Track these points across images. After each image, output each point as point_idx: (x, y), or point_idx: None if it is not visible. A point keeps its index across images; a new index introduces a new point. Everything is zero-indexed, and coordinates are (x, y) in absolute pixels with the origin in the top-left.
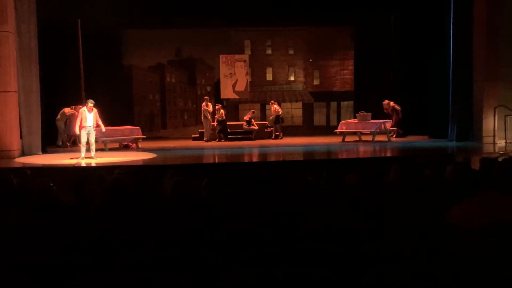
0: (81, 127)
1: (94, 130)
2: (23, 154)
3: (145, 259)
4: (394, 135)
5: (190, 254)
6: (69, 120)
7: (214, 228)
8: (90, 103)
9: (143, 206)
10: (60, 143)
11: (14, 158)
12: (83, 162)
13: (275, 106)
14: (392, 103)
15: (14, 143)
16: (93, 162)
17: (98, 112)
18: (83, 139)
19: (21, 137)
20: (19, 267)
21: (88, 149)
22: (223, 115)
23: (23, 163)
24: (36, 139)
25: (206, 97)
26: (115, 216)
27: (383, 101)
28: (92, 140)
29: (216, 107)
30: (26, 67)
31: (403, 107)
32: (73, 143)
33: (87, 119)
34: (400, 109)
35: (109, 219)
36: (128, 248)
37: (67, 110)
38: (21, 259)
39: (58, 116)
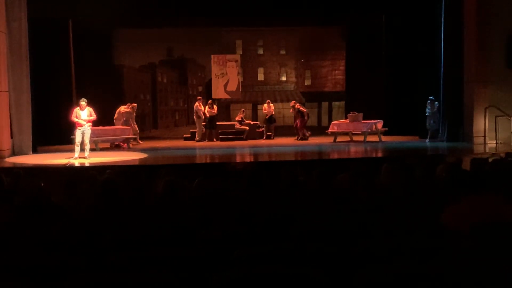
0: (76, 126)
1: (89, 128)
2: (13, 154)
3: (136, 259)
4: (298, 138)
5: (181, 253)
6: (125, 119)
7: (206, 228)
8: (83, 102)
9: (135, 206)
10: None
11: (5, 158)
12: (76, 162)
13: (271, 105)
14: (297, 105)
15: (4, 142)
16: (86, 162)
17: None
18: (78, 139)
19: (11, 137)
20: (9, 267)
21: (82, 149)
22: (215, 110)
23: (14, 163)
24: (27, 139)
25: (199, 97)
26: (106, 216)
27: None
28: (87, 140)
29: (209, 102)
30: (16, 66)
31: (394, 107)
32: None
33: (81, 116)
34: (305, 112)
35: (100, 219)
36: (119, 247)
37: (122, 108)
38: (12, 258)
39: (116, 116)
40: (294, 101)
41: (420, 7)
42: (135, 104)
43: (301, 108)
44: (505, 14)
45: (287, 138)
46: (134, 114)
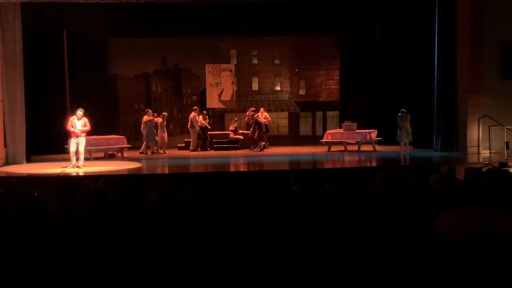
0: (72, 135)
1: (83, 137)
2: (7, 163)
3: (129, 269)
4: (252, 148)
5: (174, 263)
6: (148, 127)
7: (199, 238)
8: (80, 111)
9: (128, 215)
10: (143, 151)
11: None
12: (70, 171)
13: (265, 114)
14: (256, 115)
15: None
16: (80, 171)
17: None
18: (72, 148)
19: (5, 146)
20: (2, 277)
21: (77, 158)
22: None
23: (7, 172)
24: (21, 148)
25: (195, 107)
26: (98, 225)
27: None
28: (81, 149)
29: (204, 113)
30: (10, 75)
31: (388, 117)
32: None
33: (77, 126)
34: (263, 124)
35: (93, 228)
36: (112, 257)
37: (145, 117)
38: (5, 268)
39: (142, 126)
40: (253, 109)
41: (413, 18)
42: (165, 113)
43: (259, 119)
44: (498, 24)
45: (281, 147)
46: (165, 122)
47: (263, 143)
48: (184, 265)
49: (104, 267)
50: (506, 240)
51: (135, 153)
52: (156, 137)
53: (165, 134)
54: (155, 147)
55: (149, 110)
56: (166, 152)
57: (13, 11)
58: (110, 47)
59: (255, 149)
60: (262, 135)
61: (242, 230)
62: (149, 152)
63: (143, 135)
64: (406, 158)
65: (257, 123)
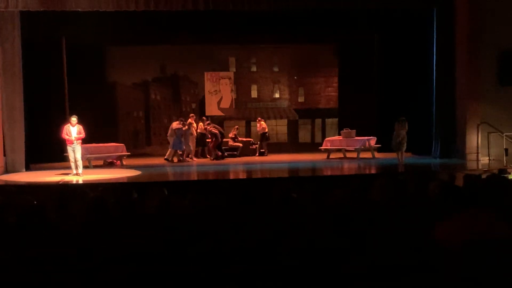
0: (67, 143)
1: (78, 145)
2: (6, 171)
3: (128, 276)
4: (212, 158)
5: (172, 270)
6: (176, 135)
7: (197, 245)
8: (74, 118)
9: (127, 222)
10: (168, 158)
11: None
12: (69, 179)
13: (262, 122)
14: (210, 127)
15: None
16: (79, 179)
17: (83, 129)
18: (70, 156)
19: (4, 154)
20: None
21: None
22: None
23: (6, 181)
24: (20, 156)
25: (192, 114)
26: (97, 233)
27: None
28: (78, 156)
29: (203, 118)
30: (9, 84)
31: (387, 124)
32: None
33: (72, 133)
34: (217, 133)
35: (92, 236)
36: (111, 265)
37: (174, 124)
38: (4, 276)
39: (169, 132)
40: (208, 122)
41: (412, 25)
42: (192, 122)
43: (213, 130)
44: (497, 31)
45: (281, 155)
46: (192, 129)
47: (220, 153)
48: (182, 272)
49: (102, 274)
50: (506, 247)
51: (134, 161)
52: (184, 146)
53: (192, 142)
54: (183, 155)
55: (193, 115)
56: (194, 159)
57: (12, 19)
58: (109, 55)
59: (212, 159)
60: (217, 144)
61: (239, 237)
62: (175, 160)
63: (169, 141)
64: (404, 166)
65: (211, 133)
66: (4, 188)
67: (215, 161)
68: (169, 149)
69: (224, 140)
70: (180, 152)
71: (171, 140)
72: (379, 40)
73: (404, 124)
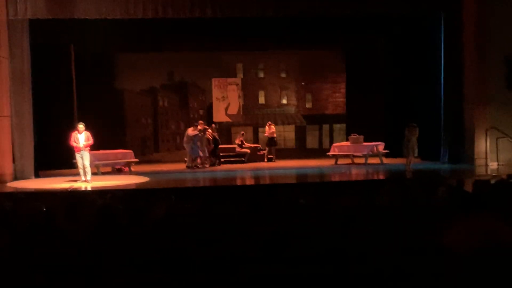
0: (75, 150)
1: (86, 151)
2: (15, 178)
3: (136, 282)
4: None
5: (180, 277)
6: (193, 141)
7: (205, 251)
8: (81, 125)
9: (135, 229)
10: (190, 165)
11: (7, 182)
12: (81, 186)
13: (272, 126)
14: (208, 133)
15: (6, 167)
16: (88, 186)
17: (91, 135)
18: (79, 163)
19: (13, 161)
20: None
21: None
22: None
23: (15, 188)
24: (29, 163)
25: (200, 121)
26: (105, 240)
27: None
28: (86, 163)
29: (212, 126)
30: (18, 91)
31: (395, 129)
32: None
33: (79, 140)
34: (212, 139)
35: (100, 243)
36: (119, 271)
37: (189, 131)
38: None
39: (185, 139)
40: (207, 127)
41: (419, 30)
42: (207, 127)
43: (209, 136)
44: (504, 35)
45: (288, 160)
46: (207, 136)
47: (213, 159)
48: (189, 279)
49: (111, 281)
50: None
51: (142, 167)
52: (200, 152)
53: (206, 148)
54: (198, 161)
55: (201, 122)
56: (206, 166)
57: (21, 28)
58: (117, 62)
59: (211, 165)
60: (212, 150)
61: (247, 243)
62: (199, 165)
63: (185, 148)
64: (412, 172)
65: (207, 139)
66: (13, 195)
67: (221, 167)
68: (188, 155)
69: (231, 146)
70: (199, 158)
71: (188, 147)
72: (386, 46)
73: (414, 130)
